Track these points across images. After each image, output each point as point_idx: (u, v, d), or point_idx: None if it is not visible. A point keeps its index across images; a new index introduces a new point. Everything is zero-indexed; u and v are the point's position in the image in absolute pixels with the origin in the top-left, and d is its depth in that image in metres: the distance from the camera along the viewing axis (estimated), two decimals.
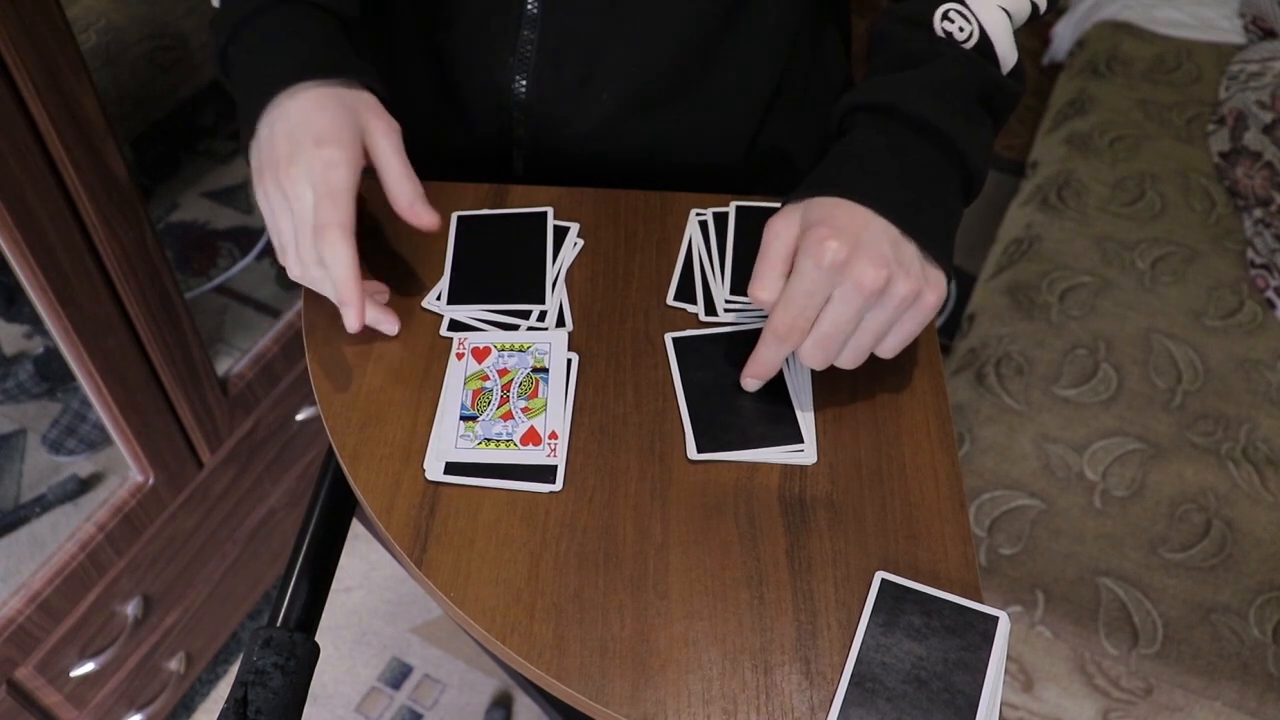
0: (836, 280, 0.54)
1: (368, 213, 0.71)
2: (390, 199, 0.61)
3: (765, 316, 0.66)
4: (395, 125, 0.62)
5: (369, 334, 0.65)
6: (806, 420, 0.61)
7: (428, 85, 0.77)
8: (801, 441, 0.59)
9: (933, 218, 0.57)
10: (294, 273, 0.61)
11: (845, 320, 0.55)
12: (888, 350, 0.57)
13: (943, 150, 0.59)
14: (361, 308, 0.59)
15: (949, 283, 0.57)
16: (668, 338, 0.65)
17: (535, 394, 0.62)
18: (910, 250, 0.56)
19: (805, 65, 0.78)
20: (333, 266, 0.58)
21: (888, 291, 0.54)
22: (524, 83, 0.73)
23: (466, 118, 0.77)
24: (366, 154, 0.61)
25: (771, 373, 0.59)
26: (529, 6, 0.70)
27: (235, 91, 0.64)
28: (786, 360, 0.63)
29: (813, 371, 0.63)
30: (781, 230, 0.57)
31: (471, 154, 0.78)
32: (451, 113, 0.78)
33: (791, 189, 0.59)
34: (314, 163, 0.58)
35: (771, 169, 0.81)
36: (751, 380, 0.60)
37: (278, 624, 0.60)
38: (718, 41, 0.72)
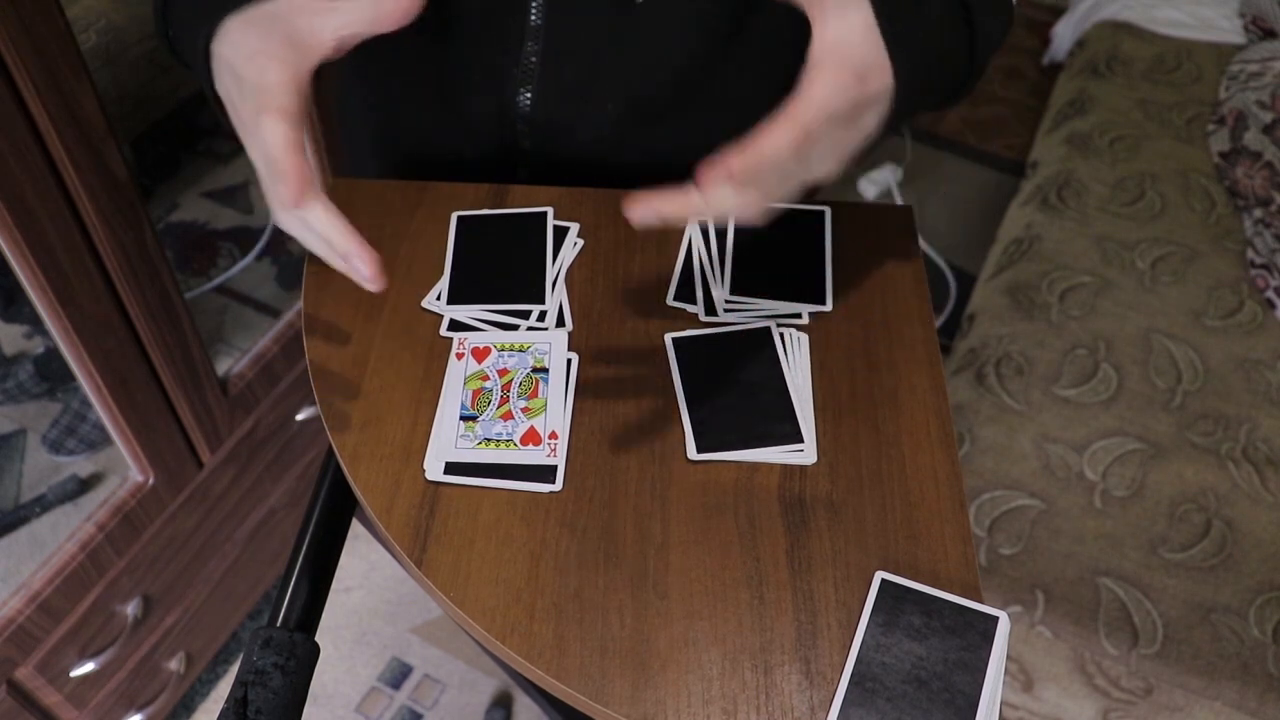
0: (830, 128, 0.51)
1: (367, 211, 0.71)
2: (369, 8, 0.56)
3: (765, 316, 0.66)
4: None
5: (369, 334, 0.65)
6: (806, 420, 0.61)
7: (430, 98, 0.77)
8: (801, 441, 0.59)
9: (917, 89, 0.55)
10: (279, 219, 0.55)
11: (833, 105, 0.50)
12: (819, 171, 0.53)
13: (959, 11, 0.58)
14: (300, 185, 0.51)
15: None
16: (668, 338, 0.65)
17: (535, 394, 0.62)
18: (881, 111, 0.53)
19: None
20: (270, 144, 0.51)
21: (857, 115, 0.51)
22: (528, 94, 0.73)
23: (470, 129, 0.77)
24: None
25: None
26: (532, 18, 0.70)
27: (182, 62, 0.61)
28: (787, 360, 0.63)
29: (813, 371, 0.63)
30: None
31: (476, 165, 0.78)
32: (455, 125, 0.77)
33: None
34: (250, 81, 0.53)
35: None
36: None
37: (278, 624, 0.60)
38: (722, 50, 0.72)
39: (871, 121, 0.53)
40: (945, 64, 0.58)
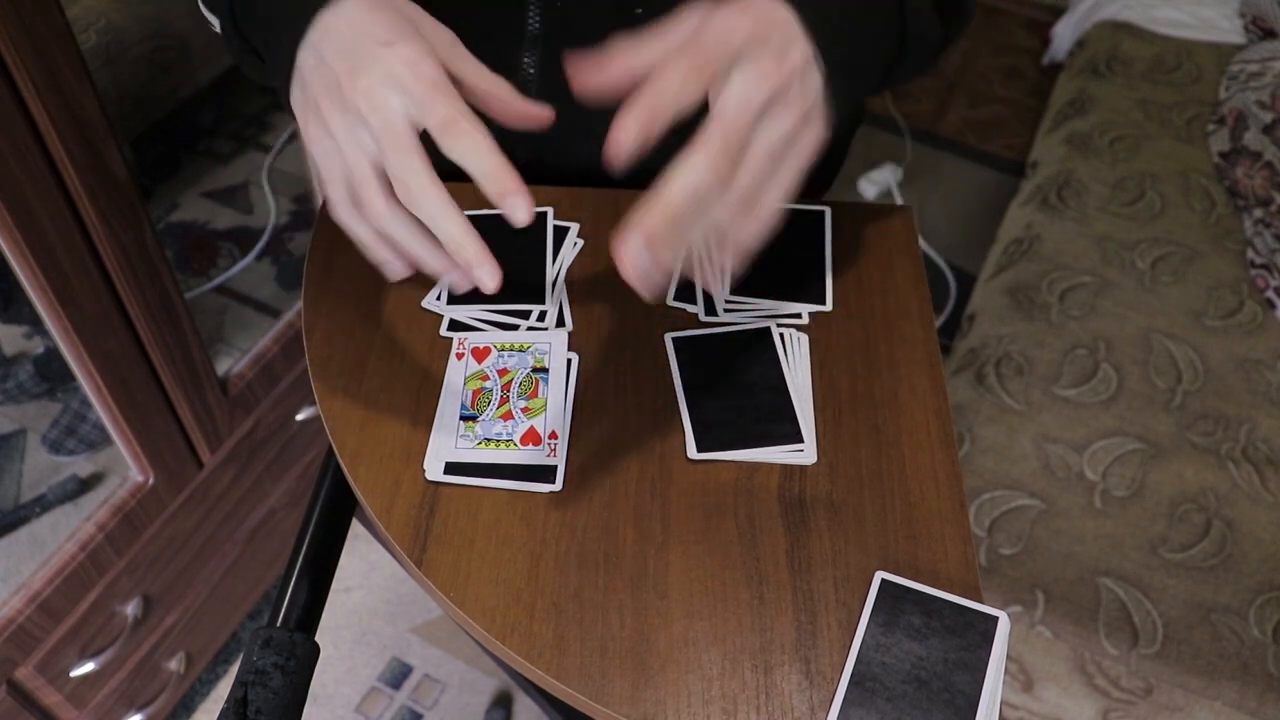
0: (739, 58, 0.47)
1: None
2: (488, 102, 0.52)
3: (765, 316, 0.66)
4: (452, 34, 0.53)
5: (369, 334, 0.65)
6: (806, 420, 0.61)
7: None
8: (801, 441, 0.59)
9: (851, 57, 0.52)
10: (377, 214, 0.49)
11: (749, 109, 0.46)
12: (774, 195, 0.49)
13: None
14: (471, 241, 0.48)
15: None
16: (668, 338, 0.65)
17: (535, 394, 0.62)
18: (815, 76, 0.49)
19: None
20: (477, 158, 0.47)
21: (789, 93, 0.47)
22: None
23: None
24: None
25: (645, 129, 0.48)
26: (530, 27, 0.70)
27: (256, 35, 0.56)
28: (787, 360, 0.63)
29: (813, 371, 0.63)
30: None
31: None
32: None
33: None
34: (392, 64, 0.48)
35: None
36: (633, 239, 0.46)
37: (278, 624, 0.60)
38: None
39: (808, 103, 0.48)
40: (872, 23, 0.55)
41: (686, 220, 0.46)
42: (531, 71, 0.71)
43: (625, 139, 0.47)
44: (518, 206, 0.48)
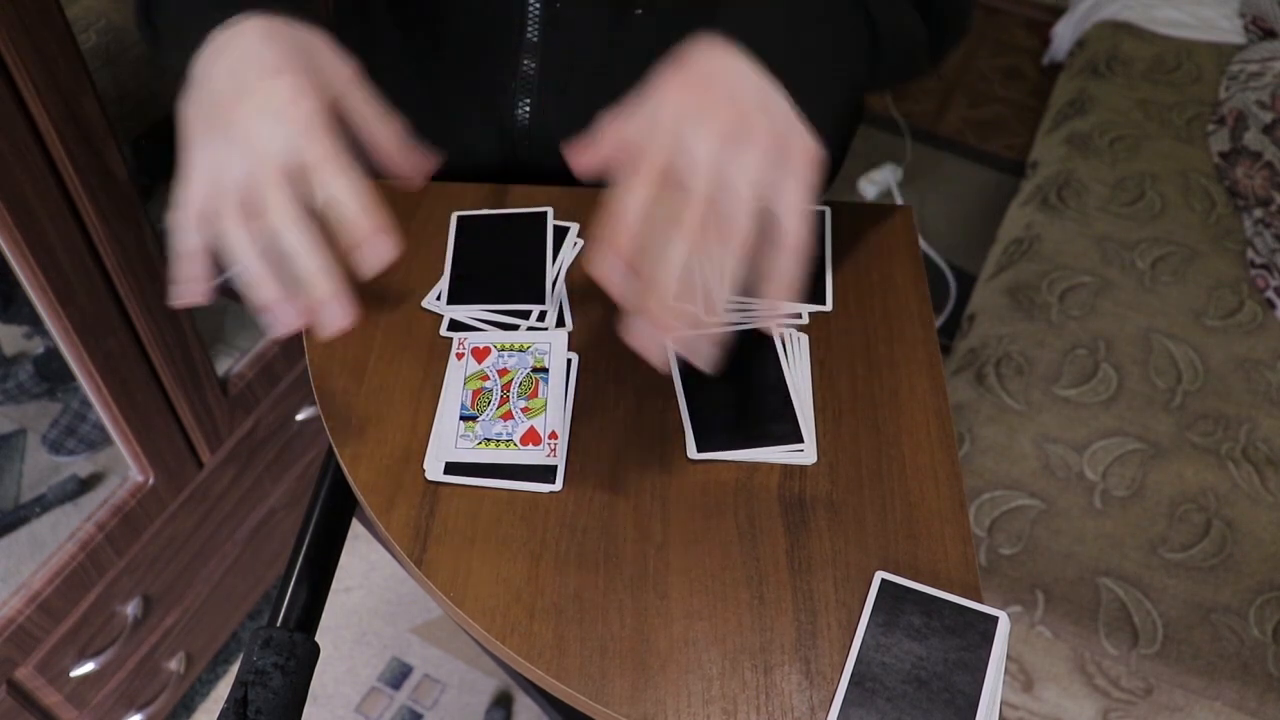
0: (682, 125, 0.47)
1: None
2: (373, 146, 0.52)
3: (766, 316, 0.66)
4: (355, 68, 0.53)
5: (369, 334, 0.65)
6: (806, 420, 0.61)
7: (428, 110, 0.77)
8: (801, 441, 0.59)
9: (813, 70, 0.52)
10: (241, 249, 0.48)
11: (705, 159, 0.47)
12: (789, 228, 0.48)
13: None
14: (335, 293, 0.48)
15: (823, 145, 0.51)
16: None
17: (535, 394, 0.62)
18: (778, 101, 0.50)
19: None
20: (343, 203, 0.47)
21: (749, 128, 0.48)
22: (526, 107, 0.73)
23: (467, 143, 0.77)
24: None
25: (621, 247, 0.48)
26: (529, 34, 0.70)
27: (161, 39, 0.56)
28: (787, 360, 0.63)
29: (813, 371, 0.63)
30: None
31: (473, 177, 0.78)
32: (452, 139, 0.77)
33: None
34: (272, 94, 0.47)
35: None
36: (606, 260, 0.48)
37: (278, 624, 0.60)
38: None
39: (777, 127, 0.49)
40: (826, 29, 0.55)
41: (652, 239, 0.47)
42: (531, 73, 0.71)
43: (613, 276, 0.49)
44: (376, 250, 0.48)
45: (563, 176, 0.76)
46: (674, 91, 0.50)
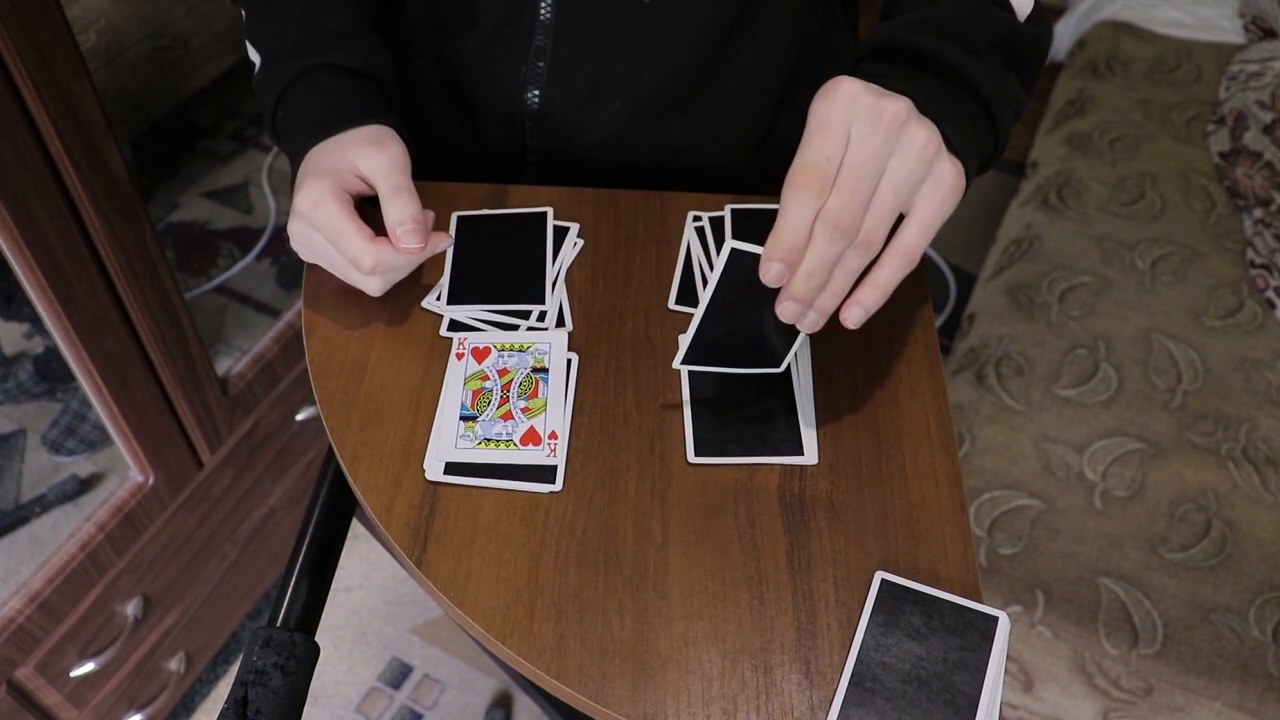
0: (854, 116, 0.50)
1: (365, 213, 0.71)
2: (389, 233, 0.62)
3: None
4: (395, 149, 0.63)
5: (369, 334, 0.65)
6: (807, 420, 0.61)
7: (439, 95, 0.77)
8: (802, 454, 0.59)
9: (959, 128, 0.55)
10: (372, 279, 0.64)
11: (868, 158, 0.50)
12: (911, 239, 0.52)
13: (956, 83, 0.58)
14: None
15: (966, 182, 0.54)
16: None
17: (535, 394, 0.62)
18: (927, 124, 0.52)
19: (814, 62, 0.77)
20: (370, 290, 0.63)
21: (907, 128, 0.50)
22: (536, 93, 0.73)
23: (478, 127, 0.77)
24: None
25: (794, 247, 0.51)
26: (541, 17, 0.70)
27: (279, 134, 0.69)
28: (796, 364, 0.63)
29: (813, 371, 0.63)
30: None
31: (483, 162, 0.78)
32: (463, 122, 0.77)
33: None
34: (301, 205, 0.62)
35: (780, 167, 0.81)
36: (774, 265, 0.51)
37: (278, 624, 0.60)
38: (728, 44, 0.72)
39: (932, 145, 0.51)
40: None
41: (804, 229, 0.50)
42: (542, 59, 0.72)
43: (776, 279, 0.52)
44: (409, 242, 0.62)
45: (569, 162, 0.76)
46: (847, 84, 0.51)
